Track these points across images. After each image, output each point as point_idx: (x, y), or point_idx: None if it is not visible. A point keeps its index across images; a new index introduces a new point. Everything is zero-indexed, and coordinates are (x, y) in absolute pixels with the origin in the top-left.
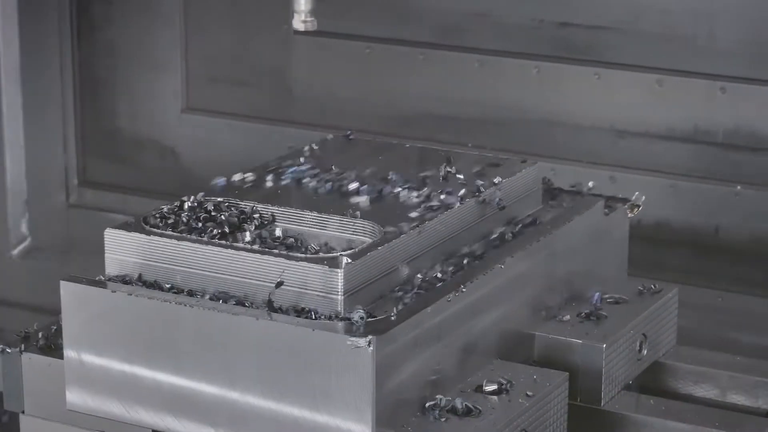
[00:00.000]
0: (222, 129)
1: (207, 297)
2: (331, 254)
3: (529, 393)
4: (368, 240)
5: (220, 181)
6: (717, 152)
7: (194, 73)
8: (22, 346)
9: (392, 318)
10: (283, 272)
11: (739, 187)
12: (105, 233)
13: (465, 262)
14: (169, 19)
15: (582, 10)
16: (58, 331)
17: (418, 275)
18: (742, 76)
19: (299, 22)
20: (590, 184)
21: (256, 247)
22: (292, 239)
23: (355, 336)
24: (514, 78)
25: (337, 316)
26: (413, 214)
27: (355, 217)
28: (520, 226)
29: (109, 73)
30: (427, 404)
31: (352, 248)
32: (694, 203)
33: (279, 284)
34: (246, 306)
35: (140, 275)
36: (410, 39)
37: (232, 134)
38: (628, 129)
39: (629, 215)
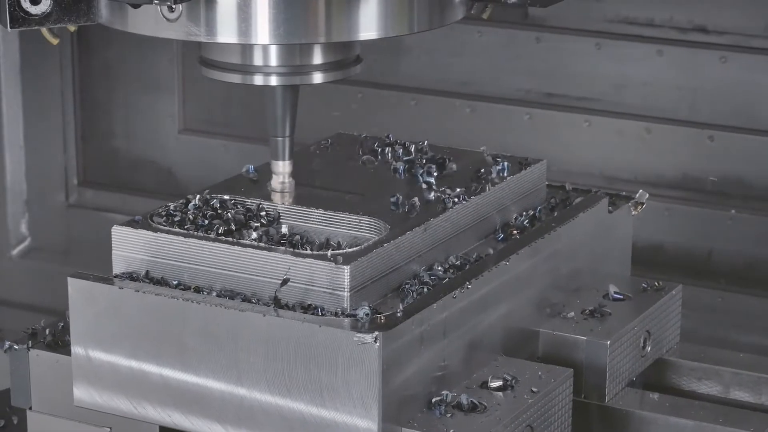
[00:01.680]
0: (219, 150)
1: (214, 294)
2: (337, 251)
3: (534, 389)
4: (374, 237)
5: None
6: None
7: (191, 94)
8: (30, 343)
9: (398, 314)
10: (289, 270)
11: (733, 211)
12: (112, 230)
13: (470, 259)
14: (166, 41)
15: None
16: (66, 328)
17: (424, 272)
18: (731, 125)
19: (278, 183)
20: None
21: (262, 244)
22: (298, 236)
23: (361, 332)
24: (506, 124)
25: (343, 313)
26: (419, 211)
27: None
28: (525, 223)
29: (107, 94)
30: (432, 400)
31: (358, 245)
32: (689, 227)
33: (285, 282)
34: (253, 303)
35: (147, 272)
36: (402, 84)
37: (228, 155)
38: (617, 176)
39: (633, 213)
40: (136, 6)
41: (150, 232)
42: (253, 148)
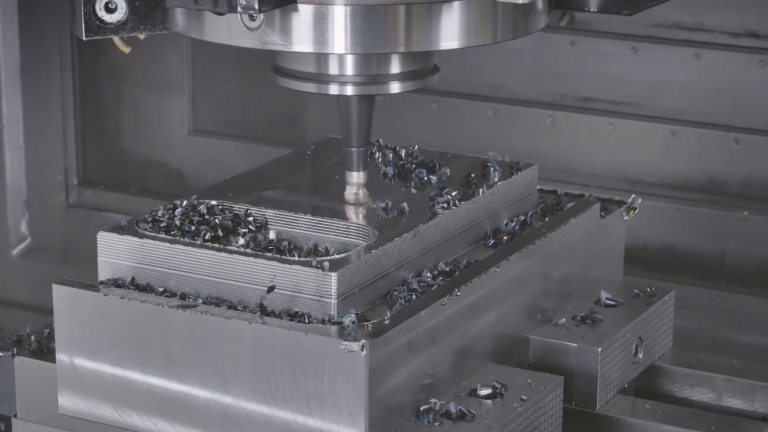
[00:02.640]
0: (228, 151)
1: (200, 301)
2: (324, 257)
3: (523, 397)
4: (363, 243)
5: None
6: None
7: (201, 95)
8: (15, 350)
9: (386, 322)
10: (274, 277)
11: (746, 213)
12: (98, 236)
13: (460, 265)
14: (175, 41)
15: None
16: (51, 335)
17: (412, 278)
18: (757, 128)
19: (351, 194)
20: None
21: (249, 250)
22: (285, 242)
23: (348, 340)
24: (529, 126)
25: (330, 320)
26: (408, 217)
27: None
28: (516, 228)
29: (116, 95)
30: (421, 408)
31: (346, 251)
32: (701, 228)
33: (271, 289)
34: (239, 310)
35: (133, 278)
36: (433, 88)
37: (238, 156)
38: (642, 179)
39: (626, 218)
40: (220, 14)
41: (136, 238)
42: (262, 150)
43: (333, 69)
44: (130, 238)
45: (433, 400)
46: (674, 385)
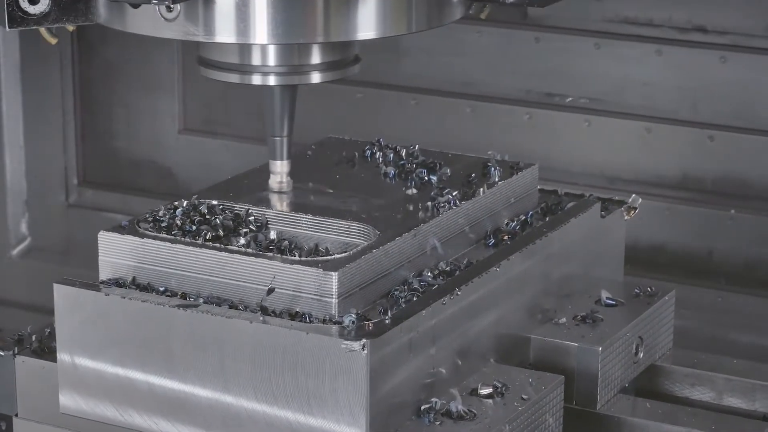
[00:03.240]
0: (219, 150)
1: (201, 300)
2: (325, 257)
3: (524, 396)
4: (363, 243)
5: None
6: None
7: (191, 94)
8: (16, 349)
9: (387, 321)
10: (274, 278)
11: (733, 211)
12: (99, 236)
13: (461, 264)
14: (166, 41)
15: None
16: (52, 334)
17: (413, 278)
18: (731, 125)
19: (275, 183)
20: None
21: (250, 250)
22: (286, 242)
23: (348, 339)
24: (506, 124)
25: (331, 320)
26: (409, 217)
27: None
28: (516, 228)
29: (107, 94)
30: (421, 408)
31: (346, 251)
32: (689, 227)
33: (270, 291)
34: (240, 309)
35: (134, 278)
36: (402, 84)
37: (228, 155)
38: (619, 176)
39: (626, 218)
40: (135, 6)
41: (137, 238)
42: (253, 149)
43: (256, 60)
44: (131, 237)
45: (434, 400)
46: (675, 385)
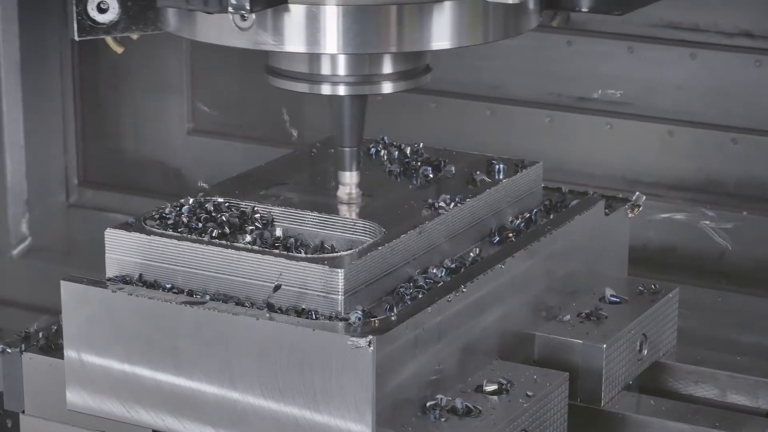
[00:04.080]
0: (227, 151)
1: (207, 297)
2: (331, 254)
3: (529, 393)
4: (369, 240)
5: None
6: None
7: (200, 95)
8: (23, 346)
9: (393, 318)
10: (281, 275)
11: (745, 213)
12: (105, 233)
13: (466, 262)
14: (174, 41)
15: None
16: (59, 331)
17: (418, 275)
18: (754, 128)
19: (344, 194)
20: None
21: (256, 247)
22: (292, 239)
23: (355, 336)
24: (526, 126)
25: (337, 317)
26: (414, 214)
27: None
28: (521, 225)
29: (115, 94)
30: (427, 404)
31: (352, 248)
32: (700, 228)
33: (277, 288)
34: (246, 306)
35: (141, 275)
36: (430, 88)
37: (236, 156)
38: (640, 179)
39: (630, 215)
40: (210, 13)
41: (143, 235)
42: (261, 149)
43: (325, 69)
44: (137, 235)
45: (439, 396)
46: (678, 382)
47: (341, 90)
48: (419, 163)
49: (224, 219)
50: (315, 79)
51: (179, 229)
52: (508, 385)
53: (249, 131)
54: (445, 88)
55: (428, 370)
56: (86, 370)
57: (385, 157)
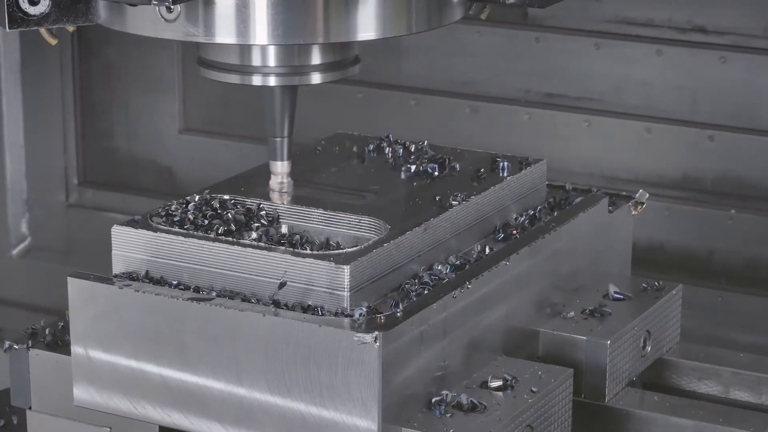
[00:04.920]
0: (219, 149)
1: (214, 294)
2: (337, 251)
3: (533, 389)
4: (374, 237)
5: None
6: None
7: (191, 94)
8: (30, 343)
9: (398, 314)
10: (286, 272)
11: (733, 211)
12: (112, 230)
13: (470, 259)
14: (167, 41)
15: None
16: (65, 328)
17: (424, 272)
18: (730, 125)
19: (276, 183)
20: None
21: (262, 244)
22: (297, 236)
23: (361, 332)
24: (506, 124)
25: (343, 313)
26: (419, 211)
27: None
28: (525, 223)
29: (107, 94)
30: (432, 400)
31: (357, 245)
32: (689, 227)
33: (282, 285)
34: (252, 303)
35: (147, 272)
36: (402, 84)
37: (228, 155)
38: (618, 176)
39: (633, 213)
40: (133, 5)
41: (150, 232)
42: (253, 148)
43: (256, 60)
44: (144, 231)
45: (444, 392)
46: (682, 378)
47: (272, 81)
48: (424, 161)
49: (230, 216)
50: (246, 70)
51: (185, 226)
52: (513, 381)
53: (241, 130)
54: (423, 85)
55: (434, 366)
56: (93, 367)
57: (390, 155)
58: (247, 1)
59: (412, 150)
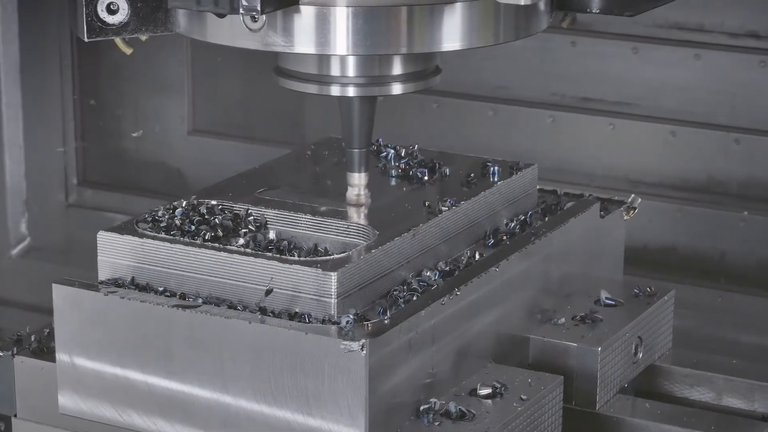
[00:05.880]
0: (228, 151)
1: (200, 300)
2: (324, 257)
3: (523, 396)
4: (362, 243)
5: None
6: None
7: (200, 95)
8: (15, 349)
9: (386, 321)
10: (272, 279)
11: (746, 213)
12: (98, 236)
13: (460, 264)
14: (176, 41)
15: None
16: (51, 335)
17: (412, 278)
18: (757, 128)
19: (353, 195)
20: None
21: (249, 250)
22: (285, 242)
23: (348, 339)
24: (528, 126)
25: (330, 320)
26: (408, 217)
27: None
28: (516, 228)
29: (116, 94)
30: (421, 408)
31: (345, 251)
32: (701, 228)
33: (269, 292)
34: (239, 309)
35: (133, 278)
36: (436, 88)
37: (237, 156)
38: (642, 179)
39: (625, 218)
40: (221, 16)
41: (136, 238)
42: (262, 150)
43: (335, 70)
44: (130, 237)
45: (433, 400)
46: (674, 385)
47: (351, 91)
48: (414, 165)
49: (217, 222)
50: (324, 80)
51: (172, 232)
52: (503, 389)
53: (249, 131)
54: (447, 89)
55: (422, 374)
56: (78, 374)
57: (380, 159)
58: (328, 10)
59: (402, 154)
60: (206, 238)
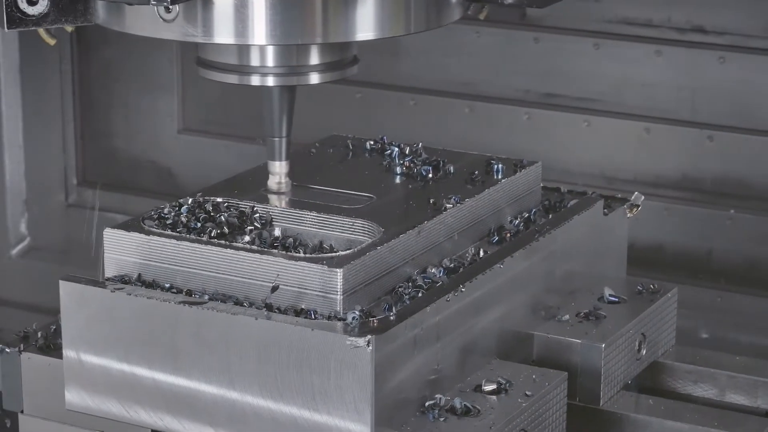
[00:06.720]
0: (218, 150)
1: (206, 297)
2: (330, 254)
3: (528, 393)
4: (367, 240)
5: None
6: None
7: (190, 94)
8: (21, 346)
9: (391, 318)
10: (278, 276)
11: (732, 211)
12: (104, 233)
13: (465, 262)
14: (166, 41)
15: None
16: (57, 331)
17: (417, 275)
18: (730, 125)
19: (274, 183)
20: None
21: (255, 247)
22: (291, 239)
23: (353, 336)
24: (505, 124)
25: (336, 316)
26: (413, 214)
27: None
28: (520, 225)
29: (106, 94)
30: (426, 404)
31: (351, 248)
32: (688, 227)
33: (275, 288)
34: (245, 306)
35: (139, 275)
36: (401, 84)
37: (228, 155)
38: (617, 176)
39: (628, 215)
40: (131, 4)
41: (142, 235)
42: (252, 148)
43: (254, 60)
44: (136, 234)
45: (438, 396)
46: (677, 382)
47: (270, 81)
48: (418, 163)
49: (223, 219)
50: (245, 70)
51: (178, 229)
52: (507, 385)
53: (240, 130)
54: (421, 86)
55: (427, 370)
56: (85, 370)
57: (384, 156)
58: (245, 1)
59: (407, 152)
60: (212, 235)
